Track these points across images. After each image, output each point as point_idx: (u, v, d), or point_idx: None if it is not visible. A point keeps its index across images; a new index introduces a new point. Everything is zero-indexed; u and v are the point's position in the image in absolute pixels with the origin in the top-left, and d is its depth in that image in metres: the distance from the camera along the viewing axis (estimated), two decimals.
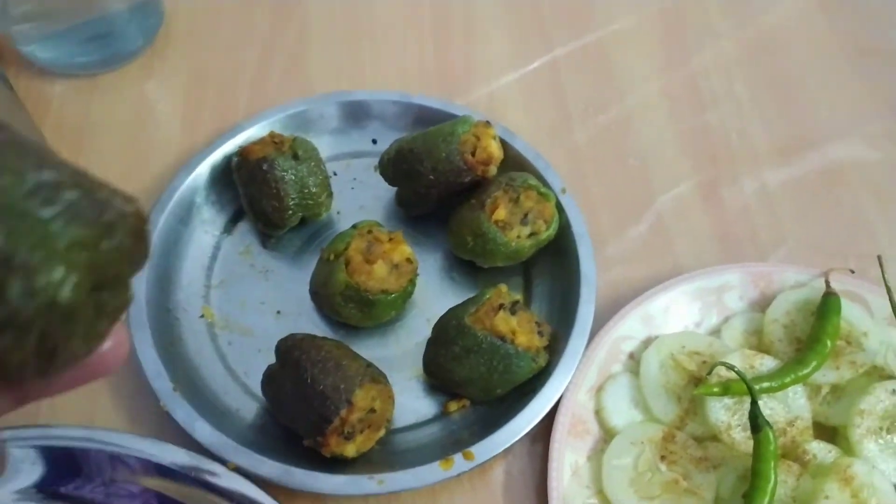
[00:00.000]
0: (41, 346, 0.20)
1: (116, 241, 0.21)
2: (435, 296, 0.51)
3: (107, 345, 0.23)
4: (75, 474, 0.41)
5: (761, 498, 0.39)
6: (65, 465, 0.41)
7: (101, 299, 0.21)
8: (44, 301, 0.19)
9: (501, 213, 0.47)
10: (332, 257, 0.46)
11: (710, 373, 0.43)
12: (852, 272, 0.49)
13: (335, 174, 0.55)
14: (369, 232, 0.47)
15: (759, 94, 0.62)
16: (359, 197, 0.55)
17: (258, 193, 0.49)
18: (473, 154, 0.49)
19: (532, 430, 0.43)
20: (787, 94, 0.62)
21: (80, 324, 0.21)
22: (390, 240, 0.47)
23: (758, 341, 0.47)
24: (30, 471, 0.41)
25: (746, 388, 0.41)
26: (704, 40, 0.65)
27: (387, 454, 0.44)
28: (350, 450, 0.42)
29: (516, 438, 0.43)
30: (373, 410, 0.42)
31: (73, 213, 0.20)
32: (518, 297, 0.48)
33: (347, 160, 0.56)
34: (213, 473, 0.40)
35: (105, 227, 0.20)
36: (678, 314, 0.48)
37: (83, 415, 0.46)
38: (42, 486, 0.41)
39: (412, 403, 0.47)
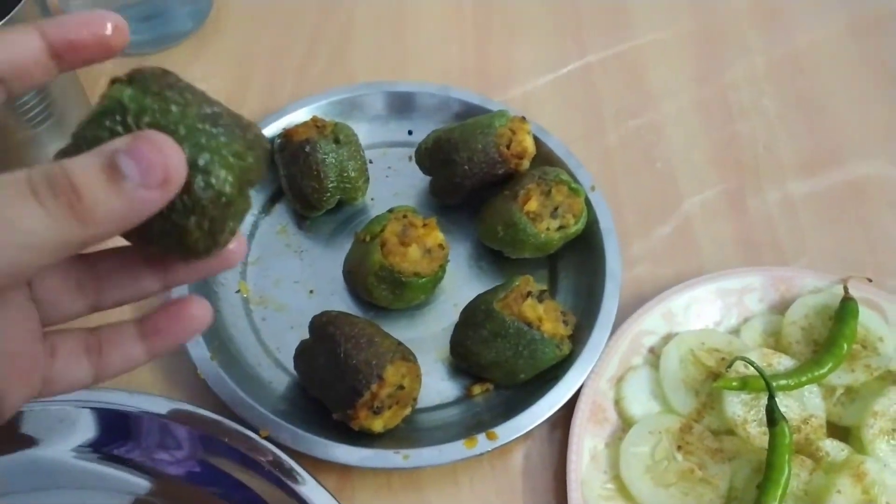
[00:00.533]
0: (210, 229, 0.26)
1: (255, 154, 0.27)
2: (462, 283, 0.52)
3: (232, 244, 0.29)
4: (126, 437, 0.42)
5: (775, 489, 0.40)
6: (116, 427, 0.42)
7: (239, 201, 0.27)
8: (215, 193, 0.25)
9: (533, 205, 0.49)
10: (368, 238, 0.48)
11: (730, 366, 0.44)
12: (870, 281, 0.50)
13: (371, 162, 0.57)
14: (405, 216, 0.48)
15: (787, 109, 0.63)
16: (393, 185, 0.57)
17: (299, 174, 0.51)
18: (508, 147, 0.51)
19: (553, 415, 0.45)
20: (814, 112, 0.63)
21: (233, 215, 0.27)
22: (424, 225, 0.48)
23: (776, 342, 0.49)
24: (85, 430, 0.42)
25: (764, 383, 0.42)
26: (737, 55, 0.66)
27: (411, 432, 0.46)
28: (377, 424, 0.43)
29: (539, 422, 0.44)
30: (401, 387, 0.43)
31: (230, 133, 0.26)
32: (545, 287, 0.50)
33: (384, 149, 0.58)
34: (252, 447, 0.42)
35: (249, 143, 0.27)
36: (699, 313, 0.50)
37: (120, 381, 0.47)
38: (96, 446, 0.43)
39: (436, 385, 0.48)
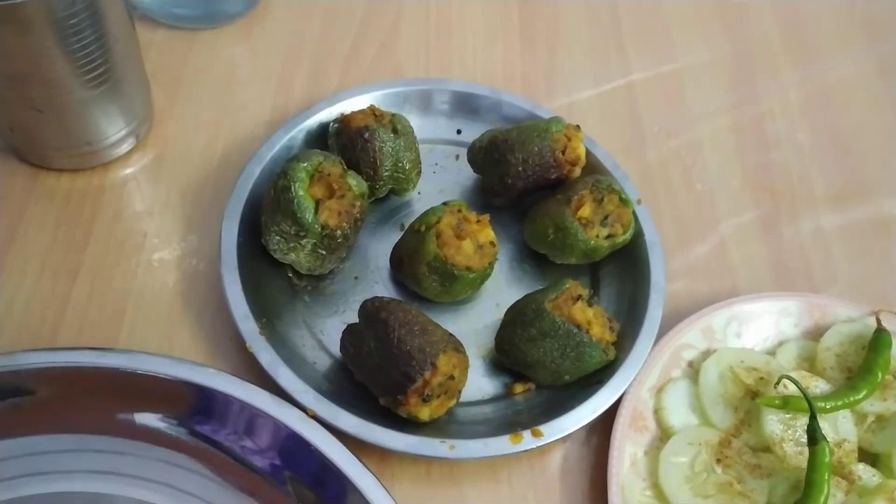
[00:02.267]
0: None
1: None
2: (505, 283, 0.53)
3: None
4: (209, 416, 0.42)
5: None
6: (201, 404, 0.42)
7: None
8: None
9: (586, 211, 0.50)
10: (423, 228, 0.48)
11: (777, 384, 0.45)
12: None
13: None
14: (459, 210, 0.49)
15: (819, 143, 0.65)
16: (439, 181, 0.57)
17: (355, 160, 0.51)
18: (563, 153, 0.51)
19: (593, 420, 0.45)
20: (845, 147, 0.65)
21: None
22: (478, 221, 0.49)
23: (809, 366, 0.50)
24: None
25: (805, 402, 0.43)
26: (772, 86, 0.68)
27: (452, 424, 0.46)
28: (425, 413, 0.43)
29: (583, 423, 0.45)
30: (452, 377, 0.43)
31: None
32: (593, 292, 0.50)
33: (431, 145, 0.58)
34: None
35: None
36: (738, 332, 0.51)
37: (162, 348, 0.47)
38: (181, 420, 0.42)
39: (477, 381, 0.49)
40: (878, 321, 0.50)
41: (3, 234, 0.50)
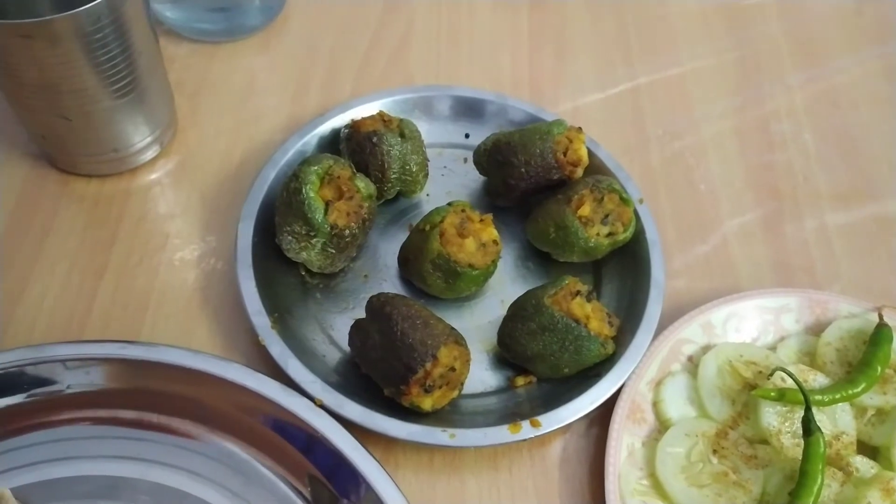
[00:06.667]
0: None
1: None
2: (509, 281, 0.54)
3: None
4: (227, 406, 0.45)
5: (807, 496, 0.42)
6: (219, 395, 0.45)
7: None
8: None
9: (586, 210, 0.51)
10: (427, 227, 0.50)
11: (770, 376, 0.46)
12: None
13: (428, 160, 0.59)
14: (463, 210, 0.50)
15: (824, 143, 0.66)
16: (447, 183, 0.59)
17: (364, 163, 0.53)
18: (565, 154, 0.53)
19: (593, 411, 0.47)
20: (850, 148, 0.66)
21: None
22: (481, 220, 0.50)
23: (810, 361, 0.51)
24: None
25: (801, 395, 0.44)
26: (777, 89, 0.69)
27: (455, 414, 0.47)
28: (427, 403, 0.45)
29: (580, 415, 0.46)
30: (452, 369, 0.45)
31: None
32: (591, 288, 0.52)
33: (440, 149, 0.60)
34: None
35: None
36: (737, 327, 0.52)
37: (181, 342, 0.49)
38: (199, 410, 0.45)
39: (480, 374, 0.50)
40: (881, 316, 0.51)
41: (36, 236, 0.53)
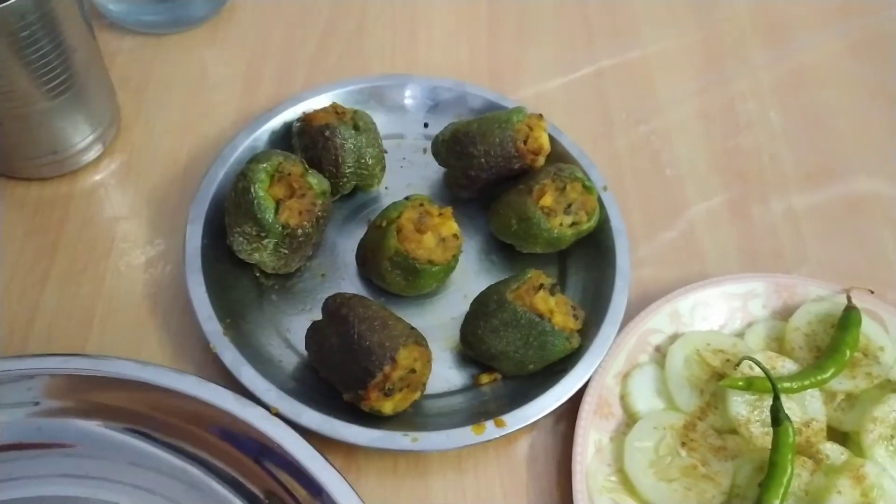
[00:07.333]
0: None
1: None
2: (473, 275, 0.53)
3: None
4: (177, 419, 0.43)
5: (777, 488, 0.41)
6: (169, 408, 0.43)
7: None
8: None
9: (548, 200, 0.50)
10: (384, 224, 0.48)
11: (737, 365, 0.45)
12: (872, 292, 0.52)
13: (386, 152, 0.57)
14: (421, 205, 0.49)
15: (791, 123, 0.65)
16: (407, 176, 0.57)
17: (317, 159, 0.51)
18: (525, 143, 0.51)
19: (559, 408, 0.45)
20: (817, 127, 0.65)
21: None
22: (440, 214, 0.49)
23: (778, 347, 0.50)
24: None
25: (769, 383, 0.43)
26: (742, 69, 0.68)
27: (418, 416, 0.46)
28: (387, 407, 0.43)
29: (546, 412, 0.45)
30: (413, 371, 0.44)
31: None
32: (555, 281, 0.50)
33: (398, 140, 0.58)
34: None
35: None
36: (705, 315, 0.51)
37: (130, 352, 0.47)
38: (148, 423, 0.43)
39: (444, 373, 0.49)
40: (849, 298, 0.50)
41: None
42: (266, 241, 0.47)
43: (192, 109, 0.59)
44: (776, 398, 0.43)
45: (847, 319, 0.48)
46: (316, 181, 0.49)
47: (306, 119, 0.52)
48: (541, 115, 0.53)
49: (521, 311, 0.45)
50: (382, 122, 0.57)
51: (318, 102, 0.56)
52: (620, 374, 0.48)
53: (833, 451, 0.44)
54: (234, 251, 0.49)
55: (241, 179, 0.47)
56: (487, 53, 0.66)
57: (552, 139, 0.54)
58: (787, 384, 0.45)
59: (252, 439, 0.42)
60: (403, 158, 0.58)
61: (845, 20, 0.72)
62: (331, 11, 0.67)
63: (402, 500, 0.44)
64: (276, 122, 0.55)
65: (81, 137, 0.53)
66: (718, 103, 0.65)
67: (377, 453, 0.45)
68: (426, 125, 0.59)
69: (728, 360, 0.47)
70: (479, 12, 0.69)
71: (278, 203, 0.47)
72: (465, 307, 0.49)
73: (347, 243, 0.53)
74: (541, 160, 0.52)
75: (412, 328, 0.45)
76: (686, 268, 0.55)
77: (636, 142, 0.62)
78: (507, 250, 0.53)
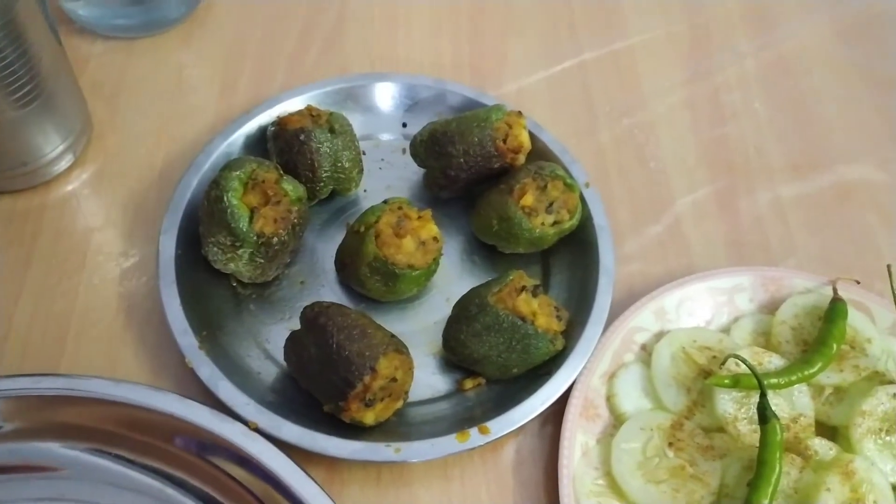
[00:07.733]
0: None
1: None
2: (455, 277, 0.52)
3: None
4: (154, 436, 0.42)
5: (766, 486, 0.40)
6: (144, 425, 0.42)
7: None
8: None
9: (529, 200, 0.49)
10: (362, 229, 0.47)
11: (723, 364, 0.45)
12: (858, 283, 0.51)
13: (364, 153, 0.56)
14: (399, 208, 0.48)
15: (778, 112, 0.64)
16: (386, 177, 0.56)
17: (292, 163, 0.50)
18: (505, 141, 0.50)
19: (545, 411, 0.45)
20: (804, 115, 0.64)
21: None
22: (419, 217, 0.48)
23: (766, 341, 0.49)
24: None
25: (756, 381, 0.43)
26: (728, 58, 0.67)
27: (401, 425, 0.45)
28: (369, 417, 0.43)
29: (531, 417, 0.44)
30: (394, 380, 0.43)
31: None
32: (538, 282, 0.50)
33: (377, 140, 0.57)
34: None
35: None
36: (691, 311, 0.50)
37: (105, 368, 0.47)
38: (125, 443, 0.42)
39: (428, 379, 0.48)
40: (835, 290, 0.49)
41: None
42: (241, 250, 0.46)
43: (167, 114, 0.58)
44: (763, 395, 0.42)
45: (833, 312, 0.47)
46: (291, 187, 0.48)
47: (281, 123, 0.51)
48: (520, 113, 0.52)
49: (503, 314, 0.45)
50: (359, 122, 0.56)
51: (294, 105, 0.55)
52: (606, 374, 0.47)
53: (822, 447, 0.44)
54: (210, 261, 0.48)
55: (213, 188, 0.46)
56: (469, 48, 0.65)
57: (533, 136, 0.53)
58: (773, 380, 0.44)
59: (232, 455, 0.41)
60: (382, 159, 0.57)
61: (833, 7, 0.71)
62: (309, 8, 0.66)
63: None
64: (252, 126, 0.54)
65: (52, 147, 0.52)
66: (703, 93, 0.64)
67: (360, 464, 0.45)
68: (405, 125, 0.58)
69: (715, 357, 0.47)
70: (459, 5, 0.67)
71: (252, 211, 0.46)
72: (448, 311, 0.49)
73: (327, 248, 0.52)
74: (521, 158, 0.51)
75: (392, 336, 0.44)
76: (672, 263, 0.55)
77: (620, 135, 0.61)
78: (490, 250, 0.53)
